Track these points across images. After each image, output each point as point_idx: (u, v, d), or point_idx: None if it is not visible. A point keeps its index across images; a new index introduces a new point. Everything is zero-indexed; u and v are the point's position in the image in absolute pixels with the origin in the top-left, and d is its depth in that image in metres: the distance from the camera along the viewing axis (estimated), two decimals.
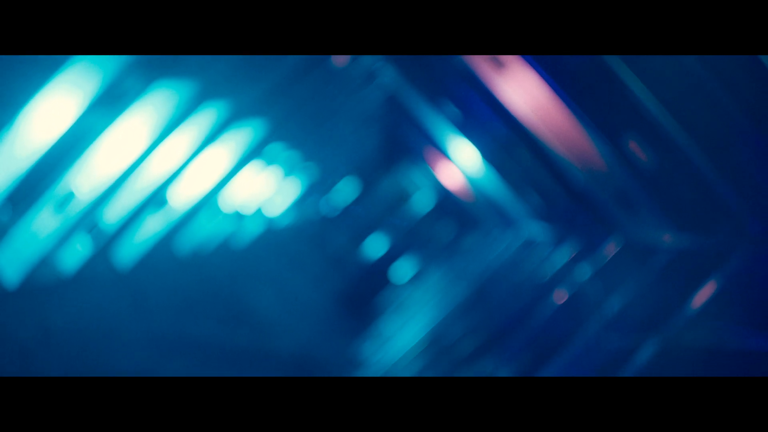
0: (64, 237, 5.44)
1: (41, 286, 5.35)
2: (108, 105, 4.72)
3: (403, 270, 20.06)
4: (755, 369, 3.15)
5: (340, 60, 7.08)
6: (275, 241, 15.81)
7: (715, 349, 3.61)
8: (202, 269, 9.45)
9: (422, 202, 20.91)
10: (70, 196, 4.93)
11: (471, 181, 11.28)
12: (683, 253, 4.74)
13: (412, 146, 14.67)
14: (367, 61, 7.84)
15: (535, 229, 8.93)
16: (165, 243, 8.04)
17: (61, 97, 3.95)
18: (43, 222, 4.96)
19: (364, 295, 16.82)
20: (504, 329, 6.39)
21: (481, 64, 5.42)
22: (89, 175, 4.92)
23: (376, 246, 20.76)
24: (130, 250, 6.74)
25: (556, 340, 5.52)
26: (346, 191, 22.72)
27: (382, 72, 8.53)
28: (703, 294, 4.01)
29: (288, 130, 8.11)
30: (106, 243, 6.25)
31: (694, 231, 4.61)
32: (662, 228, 5.01)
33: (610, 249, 5.83)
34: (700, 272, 4.41)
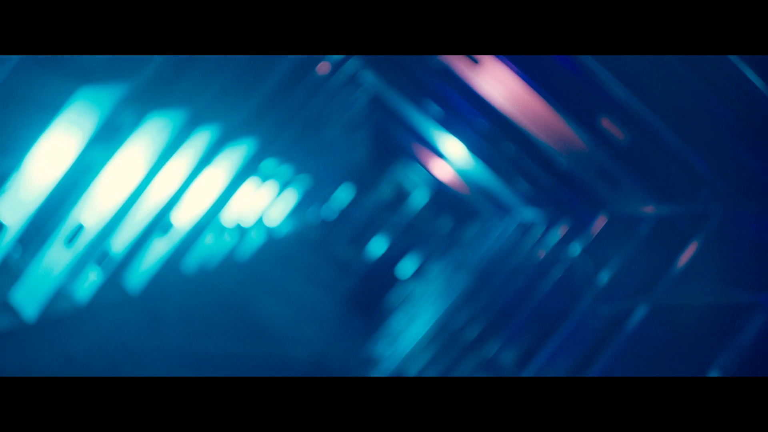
0: (77, 268, 5.63)
1: (59, 316, 5.54)
2: (106, 139, 4.91)
3: (406, 265, 20.18)
4: (736, 322, 3.34)
5: (322, 68, 7.25)
6: (279, 251, 15.93)
7: (700, 305, 3.79)
8: (211, 285, 9.61)
9: (418, 198, 21.08)
10: (79, 228, 5.11)
11: (462, 174, 11.45)
12: (665, 220, 4.93)
13: (402, 146, 14.79)
14: (349, 67, 8.01)
15: (527, 214, 9.14)
16: (173, 263, 8.20)
17: (60, 137, 4.14)
18: (56, 256, 5.14)
19: (371, 294, 16.86)
20: (506, 310, 6.59)
21: (457, 62, 5.62)
22: (95, 207, 5.10)
23: (377, 245, 20.87)
24: (140, 274, 6.93)
25: (555, 315, 5.74)
26: (342, 195, 22.85)
27: (364, 78, 8.71)
28: (687, 255, 4.20)
29: (281, 142, 8.27)
30: (116, 269, 6.44)
31: (674, 200, 4.81)
32: (644, 200, 5.21)
33: (599, 224, 6.04)
34: (682, 236, 4.63)
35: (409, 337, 10.10)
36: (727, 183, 4.10)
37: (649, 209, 5.15)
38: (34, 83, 3.89)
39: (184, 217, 6.88)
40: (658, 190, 5.00)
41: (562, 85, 4.96)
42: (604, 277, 5.05)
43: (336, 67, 7.72)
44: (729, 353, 3.10)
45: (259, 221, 11.48)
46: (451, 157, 10.31)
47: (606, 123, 4.91)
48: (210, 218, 8.43)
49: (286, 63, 6.15)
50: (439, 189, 18.79)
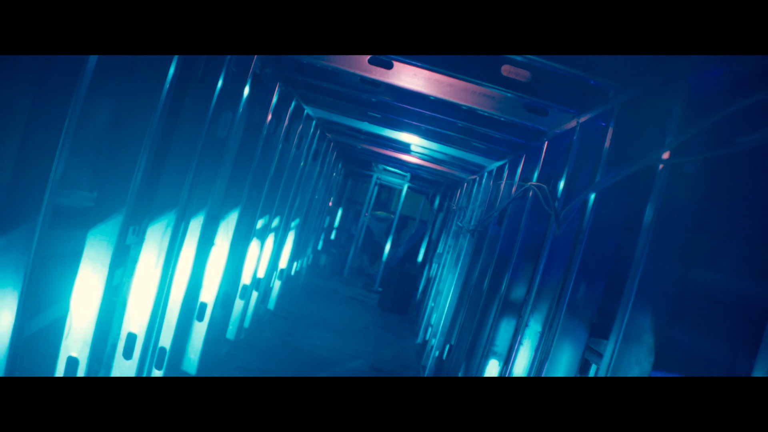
0: (140, 372, 6.36)
1: None
2: (123, 260, 5.64)
3: (418, 252, 20.75)
4: (651, 182, 3.99)
5: (268, 118, 7.95)
6: (302, 287, 16.48)
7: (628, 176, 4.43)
8: (254, 339, 10.19)
9: (403, 191, 21.66)
10: (131, 339, 5.82)
11: (428, 158, 12.15)
12: (589, 121, 5.67)
13: (371, 154, 15.31)
14: (293, 105, 8.69)
15: (493, 167, 9.91)
16: (216, 334, 8.88)
17: (89, 274, 4.83)
18: (121, 370, 5.87)
19: (398, 291, 17.27)
20: (503, 253, 7.30)
21: (374, 72, 6.36)
22: (136, 318, 5.81)
23: (387, 246, 21.36)
24: (191, 355, 7.65)
25: (539, 239, 6.49)
26: (337, 216, 23.43)
27: (310, 118, 9.39)
28: (608, 142, 4.93)
29: (266, 198, 8.83)
30: (171, 360, 7.13)
31: (591, 106, 5.56)
32: (570, 116, 5.98)
33: (545, 147, 6.80)
34: (602, 130, 5.39)
35: (441, 311, 10.71)
36: (619, 83, 4.87)
37: (574, 123, 5.91)
38: (55, 240, 4.61)
39: (210, 294, 7.57)
40: (576, 105, 5.78)
41: (460, 60, 5.75)
42: (560, 187, 5.77)
43: (279, 114, 8.40)
44: (652, 208, 3.77)
45: (274, 268, 12.01)
46: (414, 148, 11.05)
47: (508, 70, 5.68)
48: (231, 285, 9.12)
49: (239, 132, 6.84)
50: (416, 176, 19.53)
